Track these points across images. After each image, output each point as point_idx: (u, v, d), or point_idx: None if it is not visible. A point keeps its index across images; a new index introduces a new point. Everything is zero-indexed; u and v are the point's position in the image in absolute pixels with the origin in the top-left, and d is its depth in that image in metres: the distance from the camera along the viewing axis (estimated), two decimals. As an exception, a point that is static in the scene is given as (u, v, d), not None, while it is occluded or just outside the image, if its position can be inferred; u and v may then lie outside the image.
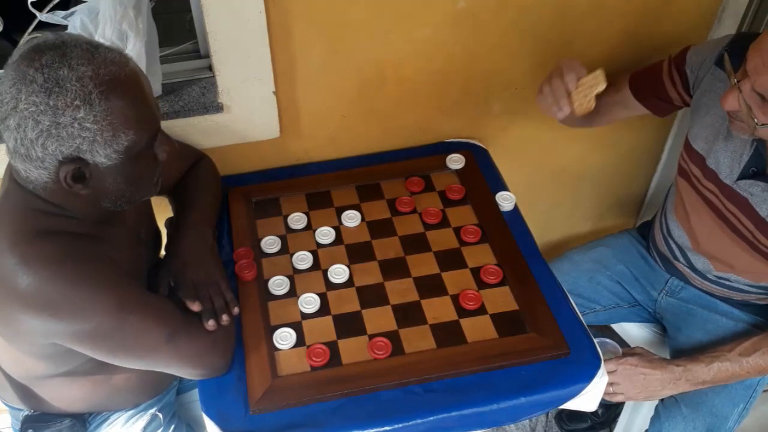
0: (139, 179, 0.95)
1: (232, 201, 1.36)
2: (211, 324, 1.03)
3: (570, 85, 1.12)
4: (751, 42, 1.01)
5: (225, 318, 1.05)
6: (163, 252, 1.19)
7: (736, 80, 1.02)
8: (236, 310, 1.08)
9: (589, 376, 1.08)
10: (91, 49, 0.85)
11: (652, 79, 1.29)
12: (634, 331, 1.53)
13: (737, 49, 1.08)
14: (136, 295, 0.97)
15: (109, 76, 0.85)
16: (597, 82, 1.09)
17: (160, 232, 1.23)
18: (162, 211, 1.26)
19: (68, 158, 0.86)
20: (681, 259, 1.36)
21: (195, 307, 1.03)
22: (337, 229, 1.30)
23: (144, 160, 0.93)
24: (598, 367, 1.09)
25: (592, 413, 1.76)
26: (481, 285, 1.20)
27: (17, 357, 1.04)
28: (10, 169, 0.95)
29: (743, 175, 1.17)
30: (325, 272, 1.23)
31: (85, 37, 0.88)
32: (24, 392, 1.12)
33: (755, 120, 1.02)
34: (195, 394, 1.32)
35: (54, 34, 0.87)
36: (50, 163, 0.86)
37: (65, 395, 1.12)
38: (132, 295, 0.96)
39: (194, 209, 1.19)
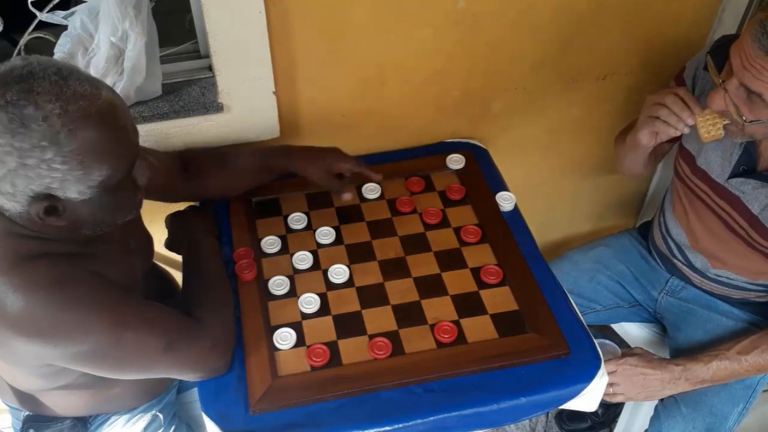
0: (117, 207, 0.92)
1: (232, 201, 1.35)
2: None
3: (694, 109, 1.11)
4: (732, 43, 1.02)
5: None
6: (164, 252, 1.18)
7: (720, 80, 1.04)
8: None
9: (589, 376, 1.08)
10: (60, 81, 0.79)
11: None
12: (634, 331, 1.53)
13: (720, 52, 1.09)
14: (130, 309, 0.95)
15: (80, 113, 0.79)
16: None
17: (152, 239, 1.21)
18: (154, 218, 1.25)
19: (39, 195, 0.82)
20: (679, 257, 1.37)
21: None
22: (337, 229, 1.30)
23: (122, 189, 0.89)
24: (598, 367, 1.09)
25: (592, 413, 1.76)
26: (481, 285, 1.20)
27: (14, 373, 1.03)
28: None
29: (734, 174, 1.18)
30: (325, 272, 1.22)
31: (56, 64, 0.82)
32: (24, 398, 1.11)
33: (743, 118, 1.03)
34: (195, 394, 1.31)
35: (22, 61, 0.81)
36: (21, 197, 0.82)
37: (64, 403, 1.12)
38: (126, 309, 0.94)
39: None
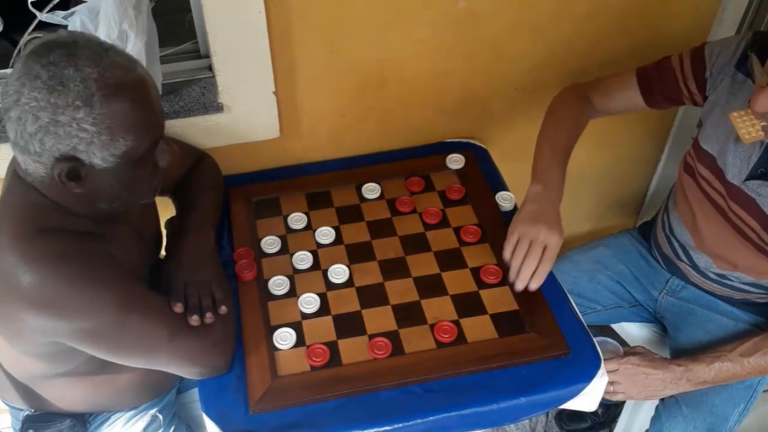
0: (136, 184, 0.95)
1: (232, 201, 1.36)
2: (195, 319, 1.01)
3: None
4: None
5: (209, 316, 1.03)
6: (163, 252, 1.19)
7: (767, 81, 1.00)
8: (223, 309, 1.06)
9: (589, 376, 1.08)
10: (100, 51, 0.85)
11: (664, 77, 1.27)
12: (634, 331, 1.53)
13: (759, 49, 1.07)
14: (137, 294, 0.97)
15: (114, 80, 0.85)
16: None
17: (162, 235, 1.23)
18: (165, 210, 1.26)
19: (65, 156, 0.86)
20: (683, 257, 1.36)
21: (177, 308, 1.01)
22: (337, 229, 1.30)
23: (143, 165, 0.93)
24: (598, 367, 1.09)
25: (592, 413, 1.76)
26: (481, 285, 1.20)
27: (17, 357, 1.04)
28: (14, 164, 0.96)
29: (751, 176, 1.16)
30: (325, 272, 1.22)
31: (98, 38, 0.89)
32: (25, 391, 1.12)
33: None
34: (195, 394, 1.32)
35: (68, 33, 0.88)
36: (47, 158, 0.86)
37: (66, 395, 1.12)
38: (134, 294, 0.96)
39: (196, 210, 1.19)
